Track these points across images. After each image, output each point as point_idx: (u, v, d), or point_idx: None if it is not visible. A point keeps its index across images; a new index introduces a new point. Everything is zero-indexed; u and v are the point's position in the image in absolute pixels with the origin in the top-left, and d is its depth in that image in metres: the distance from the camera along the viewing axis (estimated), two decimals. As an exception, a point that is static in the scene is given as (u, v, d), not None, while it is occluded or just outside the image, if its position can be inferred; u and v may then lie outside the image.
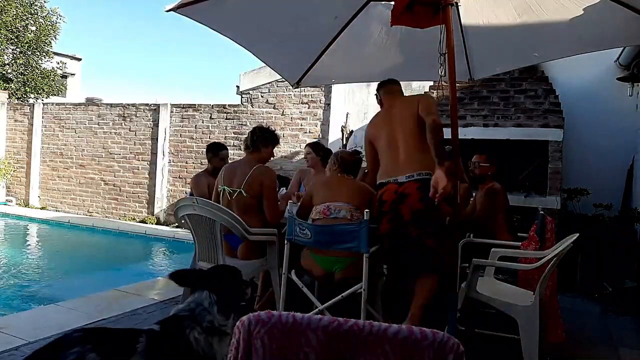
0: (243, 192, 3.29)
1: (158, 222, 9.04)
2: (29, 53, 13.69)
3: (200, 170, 4.30)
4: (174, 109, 9.09)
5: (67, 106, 10.41)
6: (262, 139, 3.48)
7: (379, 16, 3.15)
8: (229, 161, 4.06)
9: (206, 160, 4.43)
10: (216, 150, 4.28)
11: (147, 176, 9.31)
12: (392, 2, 2.69)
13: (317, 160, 4.34)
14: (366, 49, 3.55)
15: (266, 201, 3.36)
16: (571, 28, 2.96)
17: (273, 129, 3.64)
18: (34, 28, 13.78)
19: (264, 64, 3.91)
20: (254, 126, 3.62)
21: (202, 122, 8.82)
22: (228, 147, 4.70)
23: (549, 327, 3.40)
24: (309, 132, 7.89)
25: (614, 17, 2.71)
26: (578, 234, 2.76)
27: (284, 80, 5.12)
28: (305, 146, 4.52)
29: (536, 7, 2.81)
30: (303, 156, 4.64)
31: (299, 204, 3.24)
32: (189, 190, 4.35)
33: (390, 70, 4.06)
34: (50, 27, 14.06)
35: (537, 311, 2.77)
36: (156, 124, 9.19)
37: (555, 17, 2.85)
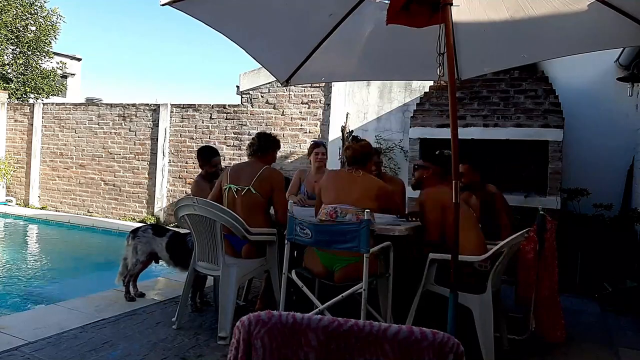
0: (252, 189, 3.30)
1: (158, 222, 9.04)
2: (29, 53, 13.69)
3: (200, 170, 4.26)
4: (174, 109, 9.09)
5: (67, 106, 10.41)
6: (274, 145, 3.58)
7: (373, 14, 3.12)
8: (228, 161, 4.04)
9: None
10: (209, 157, 4.02)
11: (147, 176, 9.31)
12: (388, 1, 2.66)
13: (325, 162, 4.51)
14: (359, 47, 3.53)
15: (277, 201, 3.41)
16: (563, 29, 2.95)
17: (275, 133, 3.71)
18: (34, 28, 13.79)
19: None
20: (259, 132, 3.68)
21: (202, 122, 8.82)
22: (228, 147, 4.68)
23: (548, 327, 3.40)
24: (309, 132, 7.89)
25: (605, 19, 2.69)
26: (530, 228, 2.90)
27: (284, 79, 5.10)
28: (320, 145, 4.53)
29: (527, 7, 2.79)
30: (309, 154, 4.59)
31: (315, 202, 3.30)
32: (189, 192, 4.30)
33: (385, 69, 4.05)
34: (50, 27, 14.07)
35: (491, 301, 2.81)
36: (156, 124, 9.19)
37: (546, 17, 2.83)
